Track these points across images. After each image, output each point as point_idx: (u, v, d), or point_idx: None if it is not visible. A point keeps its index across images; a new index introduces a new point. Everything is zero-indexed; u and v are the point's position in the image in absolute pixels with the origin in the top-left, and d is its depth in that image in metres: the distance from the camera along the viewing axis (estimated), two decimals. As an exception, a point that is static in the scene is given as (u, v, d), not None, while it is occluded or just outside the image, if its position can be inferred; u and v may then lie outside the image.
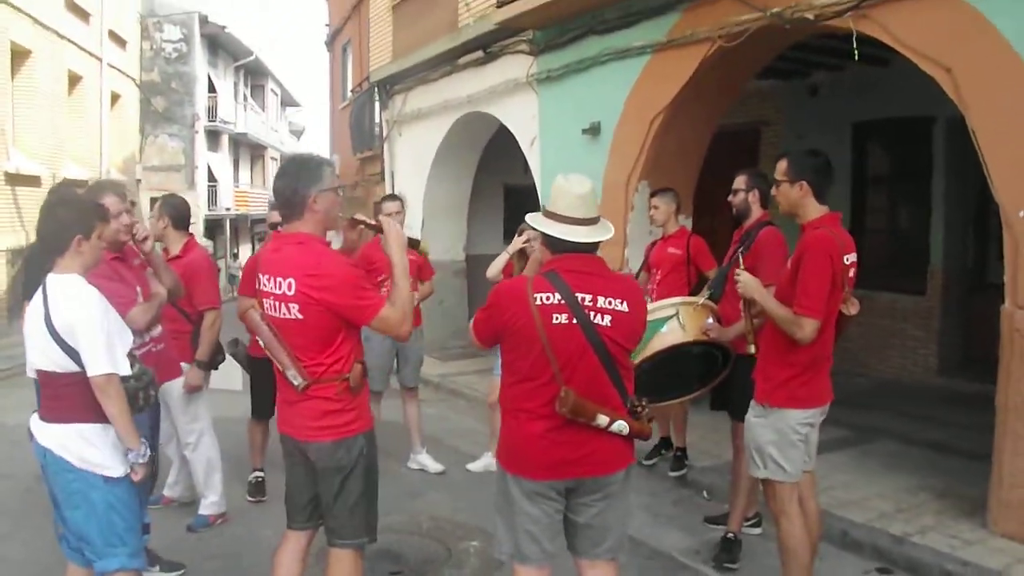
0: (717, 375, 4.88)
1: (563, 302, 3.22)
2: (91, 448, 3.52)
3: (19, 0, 15.13)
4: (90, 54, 19.24)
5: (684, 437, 6.72)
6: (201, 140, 29.71)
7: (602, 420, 3.24)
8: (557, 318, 3.22)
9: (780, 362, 4.04)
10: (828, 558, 5.02)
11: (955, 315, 9.85)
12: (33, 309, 3.51)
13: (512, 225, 7.76)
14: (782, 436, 4.04)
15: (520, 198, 9.50)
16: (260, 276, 3.58)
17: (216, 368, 5.78)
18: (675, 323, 4.57)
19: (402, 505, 6.14)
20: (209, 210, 31.64)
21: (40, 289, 3.52)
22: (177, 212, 5.78)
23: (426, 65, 12.13)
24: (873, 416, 8.14)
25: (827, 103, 10.35)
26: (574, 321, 3.22)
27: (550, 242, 3.39)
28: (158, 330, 4.72)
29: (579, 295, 3.24)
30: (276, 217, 5.72)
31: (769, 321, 4.09)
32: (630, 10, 7.88)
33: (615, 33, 8.14)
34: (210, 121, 31.03)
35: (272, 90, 43.13)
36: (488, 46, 10.35)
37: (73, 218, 3.59)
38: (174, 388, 5.38)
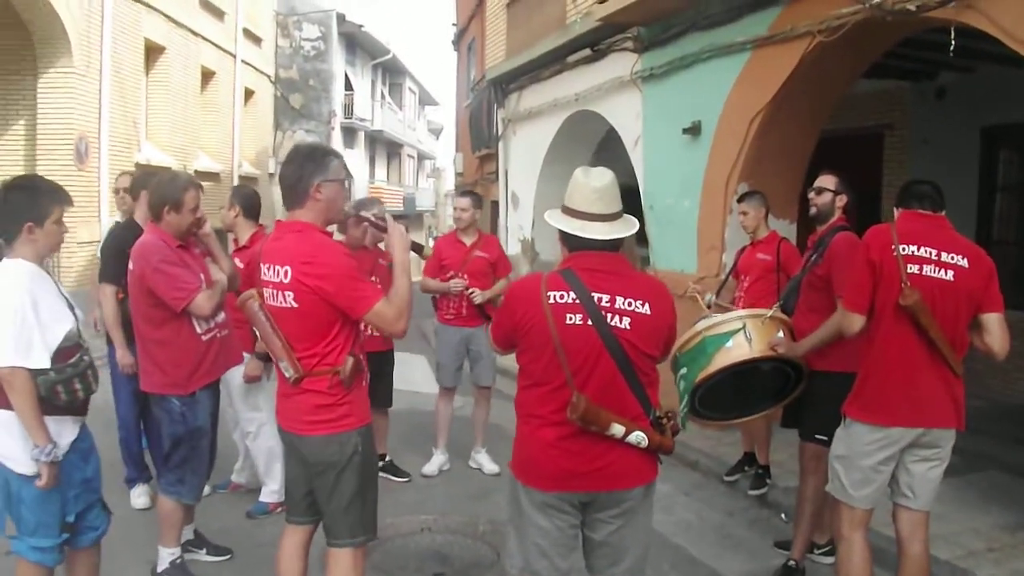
0: (792, 391, 4.55)
1: (578, 301, 3.01)
2: (4, 437, 3.45)
3: (154, -1, 15.65)
4: (224, 51, 19.80)
5: (767, 454, 6.35)
6: (337, 136, 30.21)
7: (617, 430, 2.99)
8: (571, 318, 3.00)
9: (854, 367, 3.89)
10: (902, 596, 4.61)
11: (1089, 337, 9.06)
12: None
13: None
14: (851, 453, 3.83)
15: (636, 199, 9.30)
16: (262, 265, 3.53)
17: (274, 360, 5.78)
18: (741, 337, 4.28)
19: (463, 506, 6.05)
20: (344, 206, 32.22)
21: None
22: (248, 202, 5.84)
23: (537, 63, 12.01)
24: (986, 443, 7.51)
25: (955, 106, 9.70)
26: (589, 322, 3.00)
27: (566, 239, 3.17)
28: (222, 316, 4.73)
29: (596, 295, 3.02)
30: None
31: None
32: (733, 3, 7.52)
33: (718, 28, 7.79)
34: (346, 118, 31.56)
35: (410, 88, 43.73)
36: (596, 44, 10.13)
37: (24, 204, 3.52)
38: (235, 376, 5.45)
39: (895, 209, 3.97)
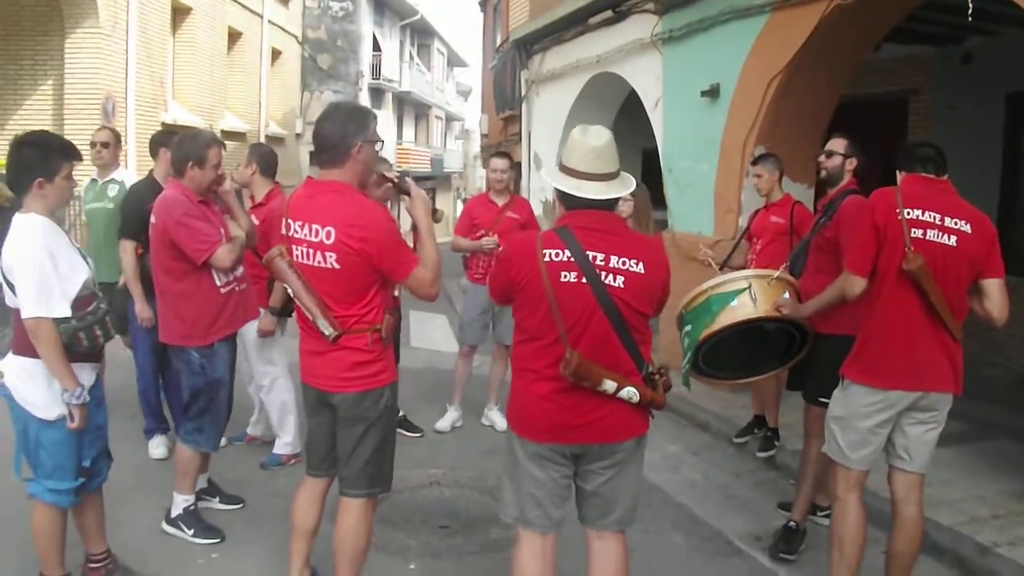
0: (796, 353, 4.57)
1: (572, 259, 3.06)
2: (28, 384, 3.60)
3: (180, -39, 15.70)
4: (251, 11, 19.85)
5: (776, 417, 6.37)
6: (364, 97, 30.22)
7: (609, 386, 3.06)
8: (565, 276, 3.05)
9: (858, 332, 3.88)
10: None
11: (1110, 306, 8.98)
12: None
13: (651, 190, 7.57)
14: (848, 414, 3.85)
15: (656, 162, 9.34)
16: (290, 222, 3.51)
17: (289, 315, 5.86)
18: (747, 297, 4.28)
19: (473, 462, 6.16)
20: (370, 166, 32.29)
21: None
22: (265, 160, 5.94)
23: (559, 24, 11.94)
24: (1001, 412, 7.54)
25: (981, 72, 9.57)
26: (583, 280, 3.05)
27: (563, 197, 3.20)
28: (240, 270, 4.82)
29: (590, 253, 3.06)
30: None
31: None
32: (753, -35, 7.45)
33: (738, -11, 7.72)
34: (374, 79, 31.58)
35: (439, 50, 43.59)
36: (617, 5, 10.05)
37: (35, 159, 3.60)
38: (250, 331, 5.57)
39: (897, 172, 3.95)
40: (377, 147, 3.63)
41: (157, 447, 5.93)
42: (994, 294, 3.75)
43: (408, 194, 3.69)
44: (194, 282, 4.55)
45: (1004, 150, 9.66)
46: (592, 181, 3.12)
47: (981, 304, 3.78)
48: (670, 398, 7.43)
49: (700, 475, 6.11)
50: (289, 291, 3.57)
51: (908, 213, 3.65)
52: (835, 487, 3.95)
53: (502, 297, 3.32)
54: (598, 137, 3.18)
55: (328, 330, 3.44)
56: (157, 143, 5.75)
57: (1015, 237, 9.59)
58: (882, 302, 3.72)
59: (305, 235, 3.44)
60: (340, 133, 3.47)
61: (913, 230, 3.64)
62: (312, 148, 3.65)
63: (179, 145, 4.65)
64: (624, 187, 3.20)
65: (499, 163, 6.76)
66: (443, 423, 6.91)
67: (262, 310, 5.59)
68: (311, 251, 3.44)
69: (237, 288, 4.76)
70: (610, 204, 3.19)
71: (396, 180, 3.79)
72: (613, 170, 3.18)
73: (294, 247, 3.49)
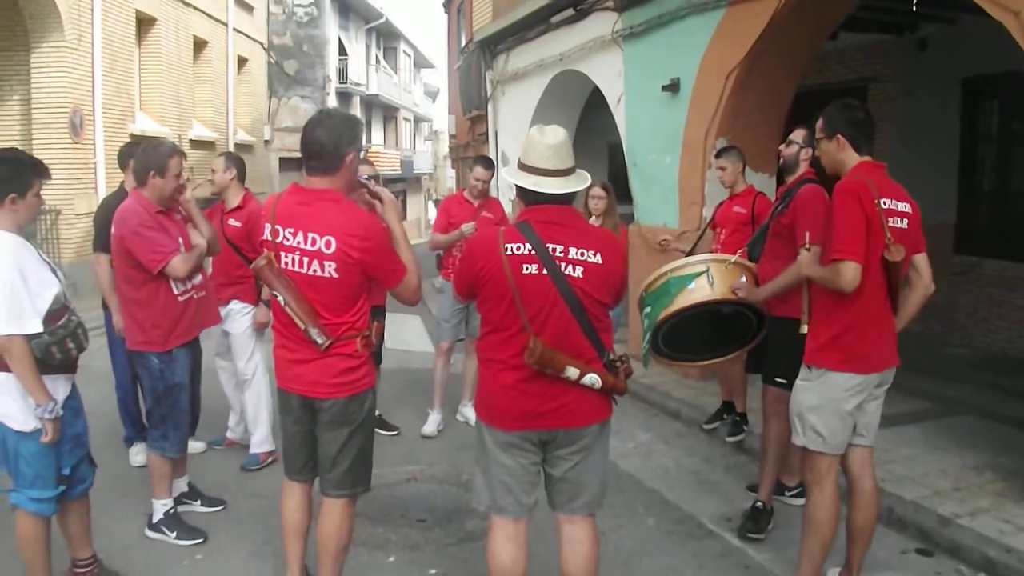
0: (755, 336, 4.70)
1: (533, 252, 3.19)
2: (3, 397, 3.66)
3: (144, -29, 15.68)
4: (216, 20, 19.84)
5: (744, 401, 6.51)
6: (332, 102, 30.20)
7: (572, 372, 3.19)
8: (527, 268, 3.18)
9: (825, 320, 3.84)
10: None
11: (1068, 284, 9.19)
12: None
13: (617, 184, 7.66)
14: (826, 402, 3.83)
15: (621, 156, 9.50)
16: (279, 228, 3.51)
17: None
18: (704, 280, 4.40)
19: (449, 458, 6.28)
20: (339, 170, 32.24)
21: None
22: (241, 166, 6.10)
23: (522, 24, 12.08)
24: (963, 389, 7.75)
25: (937, 58, 9.78)
26: (544, 271, 3.18)
27: (523, 194, 3.34)
28: (199, 278, 4.90)
29: (550, 246, 3.20)
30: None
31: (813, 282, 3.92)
32: (708, -40, 7.60)
33: (695, -15, 7.87)
34: (341, 83, 31.56)
35: (405, 52, 43.55)
36: (578, 3, 10.21)
37: (9, 175, 3.67)
38: (237, 326, 5.92)
39: (835, 137, 3.88)
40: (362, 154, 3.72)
41: (137, 454, 5.98)
42: (924, 267, 3.91)
43: (380, 200, 3.74)
44: (152, 290, 4.63)
45: (961, 134, 9.88)
46: (550, 177, 3.26)
47: (910, 278, 3.91)
48: (642, 387, 7.59)
49: (672, 461, 6.24)
50: (280, 299, 3.55)
51: (883, 203, 3.70)
52: (816, 475, 3.92)
53: (467, 293, 3.43)
54: (555, 135, 3.31)
55: (321, 339, 3.50)
56: (126, 155, 5.81)
57: (975, 218, 9.82)
58: (865, 293, 3.71)
59: (299, 243, 3.47)
60: (335, 142, 3.49)
61: (889, 220, 3.70)
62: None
63: (141, 155, 4.72)
64: (581, 182, 3.35)
65: (481, 172, 6.81)
66: (429, 427, 6.92)
67: (261, 303, 5.80)
68: (306, 259, 3.46)
69: (195, 296, 4.83)
70: (568, 199, 3.32)
71: (370, 186, 3.79)
72: (570, 166, 3.31)
73: (283, 254, 3.50)
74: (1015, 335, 9.35)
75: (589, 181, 3.43)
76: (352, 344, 3.58)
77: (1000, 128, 9.83)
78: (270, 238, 3.53)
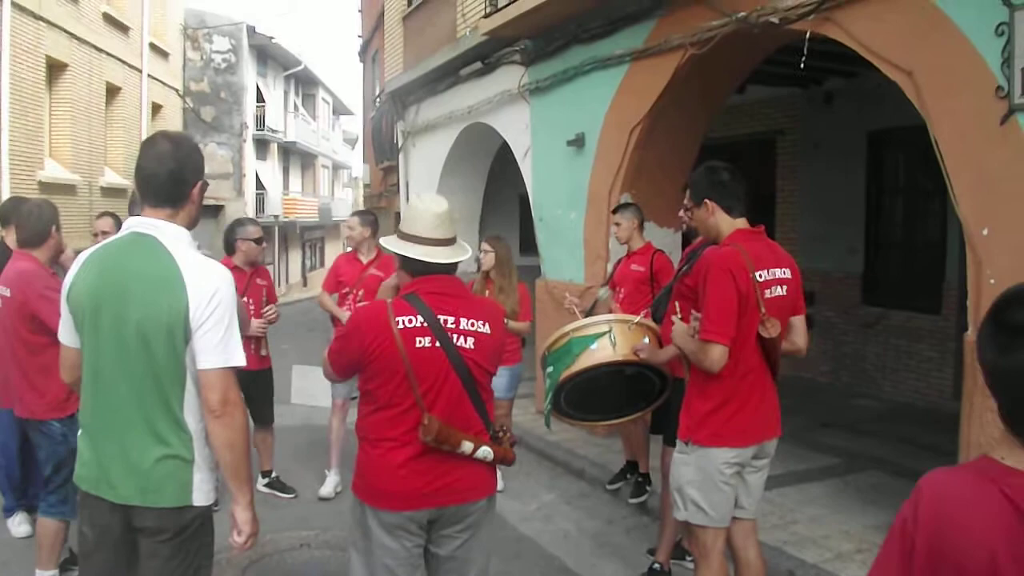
0: (658, 398, 4.60)
1: (425, 324, 3.06)
2: None
3: (56, 16, 15.27)
4: (130, 66, 19.47)
5: (646, 462, 6.41)
6: (249, 148, 29.93)
7: (467, 447, 3.08)
8: (420, 341, 3.05)
9: (700, 395, 3.71)
10: (769, 601, 4.70)
11: (972, 336, 9.32)
12: None
13: (529, 236, 7.60)
14: (705, 476, 3.69)
15: (528, 210, 9.52)
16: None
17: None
18: (607, 340, 4.34)
19: (346, 522, 5.95)
20: (257, 217, 31.88)
21: None
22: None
23: (432, 76, 12.09)
24: (870, 443, 7.75)
25: (843, 111, 9.98)
26: (437, 344, 3.06)
27: (408, 264, 3.20)
28: None
29: (442, 317, 3.08)
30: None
31: None
32: (611, 17, 7.64)
33: (598, 42, 7.92)
34: (258, 130, 31.27)
35: (324, 99, 43.39)
36: (486, 57, 10.22)
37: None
38: None
39: (703, 202, 3.81)
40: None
41: (20, 524, 5.67)
42: (800, 328, 3.87)
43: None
44: (53, 355, 4.39)
45: (867, 186, 10.02)
46: (438, 247, 3.16)
47: (789, 339, 3.84)
48: (548, 445, 7.49)
49: (573, 525, 6.09)
50: None
51: (760, 276, 3.61)
52: (702, 550, 3.80)
53: (347, 370, 3.23)
54: (439, 204, 3.24)
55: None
56: (9, 213, 5.55)
57: (879, 269, 9.94)
58: (741, 369, 3.62)
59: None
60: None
61: (766, 291, 3.63)
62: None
63: (38, 212, 4.62)
64: (464, 252, 3.25)
65: (351, 221, 6.82)
66: (326, 489, 6.68)
67: None
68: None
69: None
70: (452, 268, 3.22)
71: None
72: (453, 235, 3.23)
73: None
74: (922, 386, 9.44)
75: (470, 252, 3.34)
76: None
77: (906, 180, 10.00)
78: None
